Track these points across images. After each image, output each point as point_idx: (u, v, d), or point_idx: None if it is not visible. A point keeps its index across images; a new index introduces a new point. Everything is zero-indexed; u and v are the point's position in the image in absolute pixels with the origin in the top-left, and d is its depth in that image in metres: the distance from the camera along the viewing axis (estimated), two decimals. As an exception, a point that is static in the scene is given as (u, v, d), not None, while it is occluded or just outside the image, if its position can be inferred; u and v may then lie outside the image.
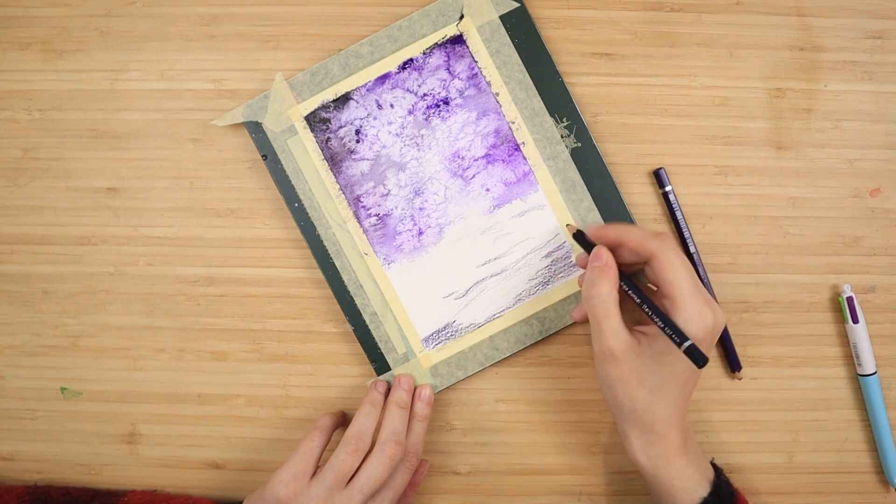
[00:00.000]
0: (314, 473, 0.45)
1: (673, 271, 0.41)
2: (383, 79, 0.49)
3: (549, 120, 0.49)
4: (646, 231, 0.43)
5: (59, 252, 0.52)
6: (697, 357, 0.39)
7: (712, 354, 0.51)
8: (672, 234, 0.46)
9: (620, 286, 0.44)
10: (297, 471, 0.45)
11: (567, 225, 0.49)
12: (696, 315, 0.41)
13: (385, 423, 0.47)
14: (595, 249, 0.45)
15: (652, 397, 0.42)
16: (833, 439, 0.51)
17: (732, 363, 0.50)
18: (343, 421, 0.50)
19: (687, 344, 0.39)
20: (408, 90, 0.49)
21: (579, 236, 0.47)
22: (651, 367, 0.42)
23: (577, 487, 0.52)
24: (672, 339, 0.40)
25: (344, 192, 0.50)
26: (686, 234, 0.50)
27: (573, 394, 0.51)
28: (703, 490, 0.43)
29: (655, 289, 0.46)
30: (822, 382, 0.51)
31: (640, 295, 0.42)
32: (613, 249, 0.45)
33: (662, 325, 0.40)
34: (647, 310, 0.41)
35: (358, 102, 0.49)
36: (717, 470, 0.45)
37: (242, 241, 0.51)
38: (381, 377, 0.50)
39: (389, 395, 0.49)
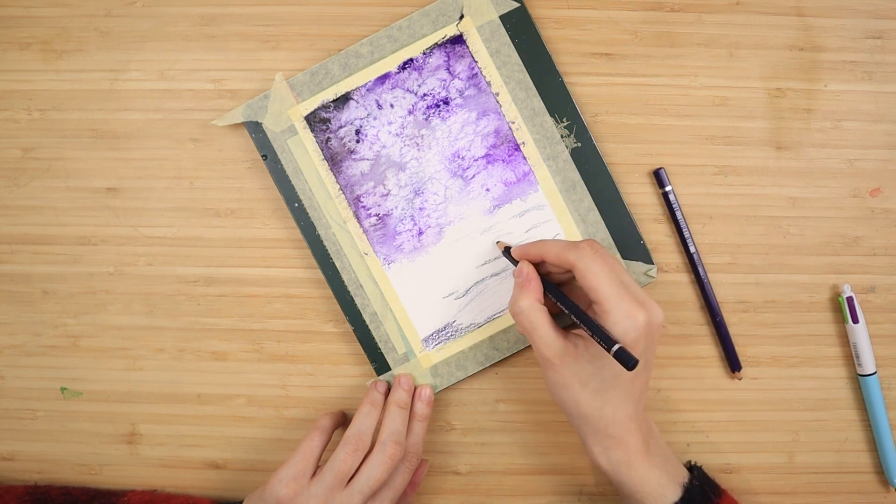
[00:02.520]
0: (314, 473, 0.45)
1: (593, 277, 0.40)
2: (383, 79, 0.49)
3: (549, 120, 0.49)
4: (564, 243, 0.43)
5: (59, 252, 0.52)
6: (626, 359, 0.38)
7: (712, 353, 0.51)
8: (591, 249, 0.44)
9: (547, 296, 0.43)
10: (297, 471, 0.45)
11: (497, 242, 0.49)
12: (624, 316, 0.40)
13: (385, 422, 0.47)
14: (517, 266, 0.45)
15: (598, 401, 0.42)
16: (833, 439, 0.51)
17: (732, 363, 0.50)
18: (343, 421, 0.50)
19: (615, 348, 0.38)
20: (408, 90, 0.49)
21: (507, 253, 0.47)
22: (590, 371, 0.42)
23: (577, 487, 0.52)
24: (601, 345, 0.39)
25: (344, 192, 0.50)
26: (686, 234, 0.50)
27: (573, 394, 0.51)
28: (673, 495, 0.42)
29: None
30: (822, 382, 0.51)
31: (566, 302, 0.42)
32: (540, 264, 0.45)
33: (590, 332, 0.40)
34: (574, 318, 0.41)
35: (358, 102, 0.49)
36: (693, 471, 0.45)
37: (242, 241, 0.51)
38: (381, 377, 0.50)
39: (389, 395, 0.49)
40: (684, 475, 0.44)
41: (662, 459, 0.44)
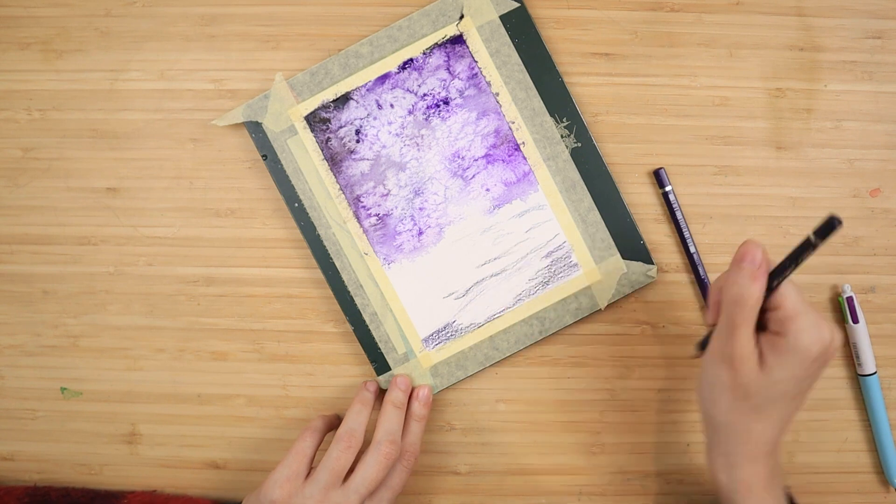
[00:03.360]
0: (308, 474, 0.45)
1: (786, 292, 0.39)
2: (383, 79, 0.49)
3: (549, 120, 0.49)
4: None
5: (59, 252, 0.52)
6: (832, 222, 0.35)
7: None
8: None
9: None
10: (290, 472, 0.45)
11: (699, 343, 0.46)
12: (811, 324, 0.38)
13: (380, 422, 0.47)
14: (746, 247, 0.40)
15: (753, 416, 0.40)
16: (833, 439, 0.51)
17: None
18: (336, 423, 0.50)
19: (828, 217, 0.35)
20: (408, 90, 0.49)
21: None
22: (764, 384, 0.39)
23: (577, 487, 0.52)
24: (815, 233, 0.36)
25: (344, 192, 0.50)
26: (686, 234, 0.50)
27: (573, 394, 0.51)
28: None
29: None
30: (822, 382, 0.51)
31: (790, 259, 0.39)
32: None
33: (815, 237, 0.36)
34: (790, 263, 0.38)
35: (358, 102, 0.49)
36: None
37: (242, 241, 0.51)
38: (381, 377, 0.50)
39: (386, 395, 0.49)
40: None
41: (778, 492, 0.42)
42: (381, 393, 0.50)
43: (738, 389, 0.40)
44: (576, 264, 0.50)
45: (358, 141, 0.50)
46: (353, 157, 0.50)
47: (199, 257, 0.51)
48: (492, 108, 0.49)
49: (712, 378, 0.41)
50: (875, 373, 0.50)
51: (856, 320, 0.49)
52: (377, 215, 0.50)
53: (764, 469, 0.41)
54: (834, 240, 0.51)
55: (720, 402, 0.40)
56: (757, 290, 0.39)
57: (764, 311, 0.39)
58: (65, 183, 0.51)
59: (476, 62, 0.49)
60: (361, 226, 0.50)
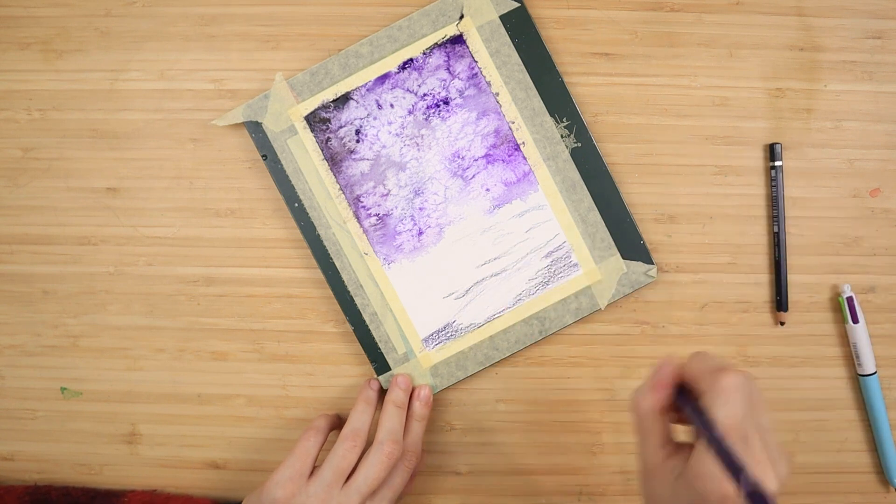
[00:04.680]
0: (311, 473, 0.45)
1: (713, 410, 0.35)
2: (383, 79, 0.49)
3: (549, 120, 0.49)
4: (709, 362, 0.38)
5: (59, 252, 0.52)
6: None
7: (712, 353, 0.51)
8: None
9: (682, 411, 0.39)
10: (293, 471, 0.45)
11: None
12: (710, 476, 0.34)
13: (382, 422, 0.47)
14: (660, 365, 0.40)
15: None
16: (833, 439, 0.51)
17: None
18: (338, 423, 0.50)
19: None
20: (408, 90, 0.49)
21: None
22: (683, 496, 0.37)
23: (577, 487, 0.52)
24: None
25: (344, 192, 0.50)
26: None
27: (573, 394, 0.51)
28: None
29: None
30: (822, 382, 0.51)
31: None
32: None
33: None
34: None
35: (358, 102, 0.49)
36: None
37: (242, 241, 0.51)
38: (381, 377, 0.50)
39: (387, 395, 0.49)
40: None
41: None
42: (382, 392, 0.50)
43: (665, 498, 0.38)
44: (576, 264, 0.50)
45: (358, 141, 0.50)
46: (353, 157, 0.50)
47: (199, 257, 0.51)
48: (492, 108, 0.49)
49: (643, 489, 0.40)
50: (875, 373, 0.50)
51: (856, 320, 0.49)
52: (377, 215, 0.50)
53: None
54: (834, 240, 0.51)
55: (647, 498, 0.39)
56: (648, 402, 0.38)
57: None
58: (65, 183, 0.51)
59: (476, 62, 0.49)
60: (361, 226, 0.50)
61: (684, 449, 0.39)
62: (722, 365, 0.37)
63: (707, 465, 0.35)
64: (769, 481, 0.35)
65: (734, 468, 0.33)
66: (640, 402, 0.39)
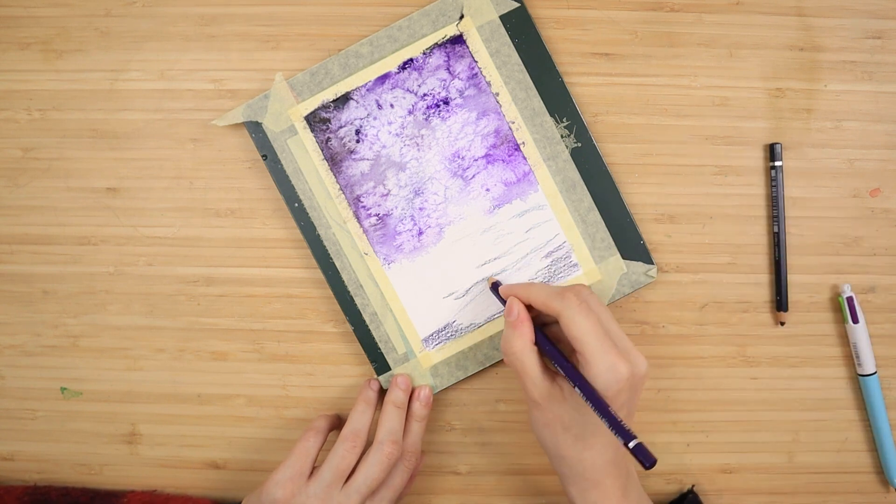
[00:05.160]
0: (311, 473, 0.45)
1: (577, 328, 0.40)
2: (383, 79, 0.49)
3: (549, 120, 0.49)
4: (550, 290, 0.43)
5: (59, 252, 0.52)
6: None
7: (713, 353, 0.51)
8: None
9: (548, 356, 0.43)
10: (293, 472, 0.45)
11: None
12: (606, 368, 0.39)
13: (382, 422, 0.47)
14: (508, 303, 0.44)
15: (579, 445, 0.42)
16: (833, 439, 0.51)
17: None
18: (338, 423, 0.50)
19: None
20: (408, 90, 0.49)
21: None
22: (574, 416, 0.42)
23: (577, 487, 0.52)
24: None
25: (344, 192, 0.50)
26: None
27: (573, 394, 0.51)
28: None
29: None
30: (822, 382, 0.51)
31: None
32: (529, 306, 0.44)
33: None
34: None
35: (358, 102, 0.49)
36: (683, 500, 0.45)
37: (242, 241, 0.51)
38: (381, 377, 0.50)
39: (387, 395, 0.49)
40: None
41: (639, 502, 0.44)
42: (382, 393, 0.50)
43: (555, 424, 0.42)
44: (576, 264, 0.50)
45: (358, 141, 0.50)
46: (353, 157, 0.50)
47: (199, 257, 0.51)
48: (492, 108, 0.49)
49: (533, 422, 0.44)
50: (875, 373, 0.50)
51: (856, 320, 0.49)
52: (377, 215, 0.50)
53: (613, 487, 0.43)
54: (834, 240, 0.51)
55: (546, 438, 0.43)
56: (518, 343, 0.42)
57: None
58: (65, 183, 0.51)
59: (476, 62, 0.49)
60: (361, 226, 0.50)
61: (558, 373, 0.43)
62: (557, 289, 0.43)
63: (594, 367, 0.40)
64: (637, 366, 0.41)
65: (621, 431, 0.37)
66: (511, 345, 0.43)
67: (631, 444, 0.36)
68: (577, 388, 0.40)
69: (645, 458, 0.36)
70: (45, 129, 0.51)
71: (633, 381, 0.40)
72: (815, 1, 0.50)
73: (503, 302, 0.46)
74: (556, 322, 0.44)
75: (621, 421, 0.37)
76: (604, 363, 0.40)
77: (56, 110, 0.51)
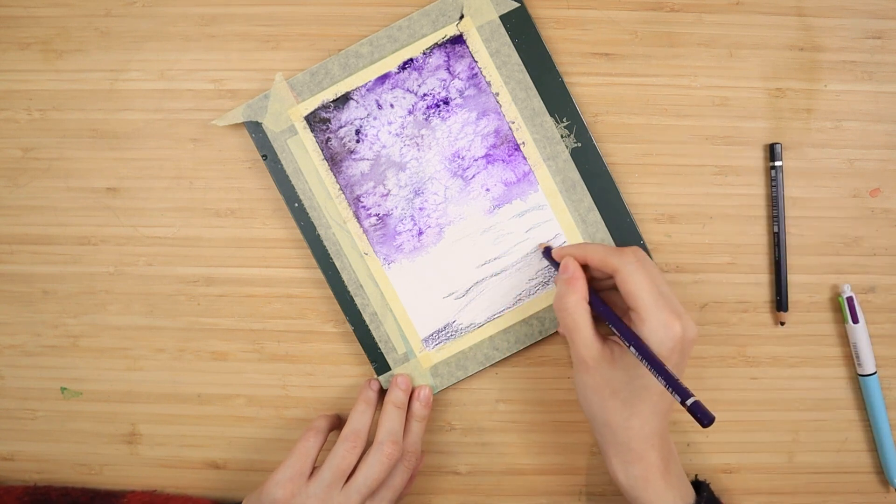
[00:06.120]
0: (311, 474, 0.45)
1: (634, 284, 0.40)
2: (383, 79, 0.49)
3: (549, 120, 0.49)
4: (607, 247, 0.43)
5: (59, 252, 0.52)
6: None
7: (713, 353, 0.51)
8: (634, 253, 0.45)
9: (592, 304, 0.43)
10: (293, 472, 0.45)
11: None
12: (661, 325, 0.40)
13: (382, 422, 0.47)
14: (563, 261, 0.44)
15: (626, 411, 0.42)
16: (833, 439, 0.51)
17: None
18: (338, 423, 0.50)
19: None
20: (408, 90, 0.49)
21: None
22: (624, 379, 0.41)
23: (576, 487, 0.52)
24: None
25: (344, 192, 0.50)
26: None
27: (573, 394, 0.51)
28: None
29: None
30: (822, 382, 0.51)
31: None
32: (585, 268, 0.44)
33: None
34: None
35: (358, 102, 0.49)
36: (700, 489, 0.45)
37: (242, 241, 0.51)
38: (381, 377, 0.50)
39: (387, 395, 0.49)
40: (692, 495, 0.44)
41: (678, 480, 0.43)
42: (382, 393, 0.50)
43: (603, 388, 0.42)
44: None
45: (358, 141, 0.50)
46: (353, 157, 0.50)
47: (199, 257, 0.51)
48: (492, 108, 0.49)
49: (580, 385, 0.43)
50: (875, 373, 0.50)
51: (856, 320, 0.49)
52: (377, 215, 0.50)
53: (657, 461, 0.42)
54: (834, 240, 0.51)
55: (593, 403, 0.43)
56: (572, 299, 0.42)
57: (628, 310, 0.42)
58: (65, 183, 0.51)
59: (476, 62, 0.49)
60: (361, 226, 0.50)
61: (609, 336, 0.43)
62: (615, 248, 0.43)
63: (648, 325, 0.40)
64: (688, 329, 0.41)
65: (679, 389, 0.36)
66: (565, 301, 0.43)
67: (689, 402, 0.35)
68: (630, 346, 0.40)
69: (704, 415, 0.35)
70: (45, 129, 0.51)
71: (684, 344, 0.40)
72: (815, 1, 0.50)
73: (556, 266, 0.46)
74: (609, 288, 0.45)
75: (678, 379, 0.37)
76: (658, 320, 0.40)
77: (56, 110, 0.51)
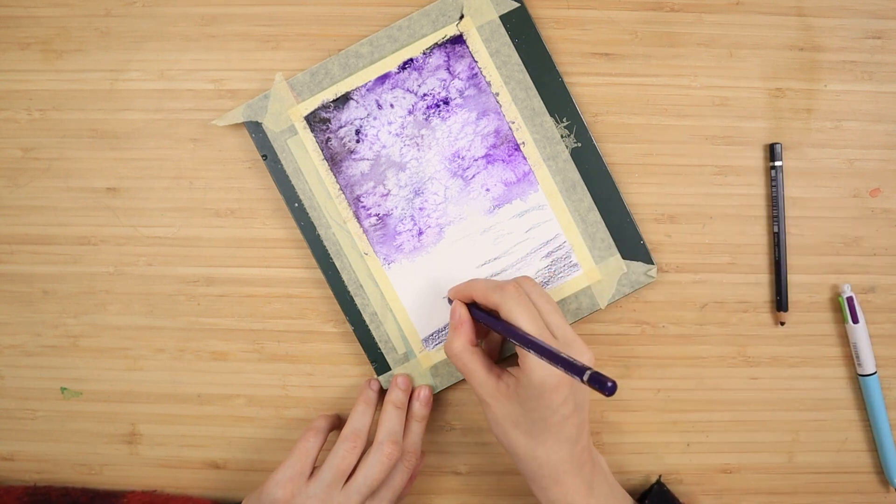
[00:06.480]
0: (311, 474, 0.45)
1: (514, 320, 0.41)
2: (383, 79, 0.49)
3: (549, 120, 0.49)
4: (490, 282, 0.44)
5: (59, 252, 0.52)
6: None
7: (713, 353, 0.51)
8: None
9: (497, 332, 0.43)
10: (293, 472, 0.45)
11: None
12: (538, 364, 0.40)
13: (382, 422, 0.47)
14: (451, 308, 0.45)
15: (531, 443, 0.42)
16: (833, 439, 0.51)
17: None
18: (338, 423, 0.50)
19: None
20: (408, 90, 0.49)
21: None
22: (520, 412, 0.42)
23: (577, 487, 0.52)
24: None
25: (344, 192, 0.50)
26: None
27: (573, 394, 0.51)
28: None
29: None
30: (822, 382, 0.51)
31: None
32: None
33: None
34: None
35: (358, 102, 0.49)
36: (646, 496, 0.45)
37: (242, 241, 0.51)
38: (381, 377, 0.50)
39: (387, 395, 0.49)
40: None
41: (607, 497, 0.44)
42: (382, 393, 0.50)
43: (505, 421, 0.42)
44: (576, 264, 0.50)
45: (358, 141, 0.50)
46: (353, 157, 0.50)
47: (199, 257, 0.51)
48: (492, 108, 0.49)
49: (488, 418, 0.44)
50: (875, 373, 0.50)
51: (856, 320, 0.49)
52: (377, 215, 0.50)
53: (575, 485, 0.42)
54: (834, 240, 0.51)
55: (500, 435, 0.43)
56: (457, 344, 0.43)
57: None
58: (65, 183, 0.51)
59: (476, 62, 0.49)
60: (361, 226, 0.50)
61: (505, 371, 0.44)
62: (498, 282, 0.43)
63: (531, 360, 0.40)
64: (577, 357, 0.40)
65: (571, 366, 0.35)
66: (452, 348, 0.44)
67: (585, 377, 0.33)
68: (511, 339, 0.40)
69: (602, 385, 0.32)
70: (45, 129, 0.51)
71: (571, 377, 0.39)
72: (815, 1, 0.50)
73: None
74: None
75: (566, 356, 0.35)
76: (534, 358, 0.40)
77: (56, 110, 0.51)
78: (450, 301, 0.48)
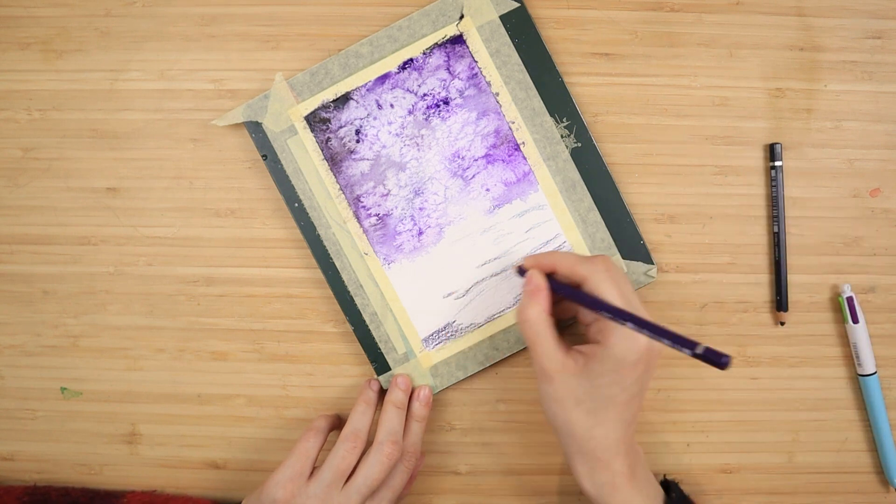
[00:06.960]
0: (311, 474, 0.45)
1: (602, 293, 0.40)
2: (383, 79, 0.49)
3: (549, 120, 0.49)
4: (576, 256, 0.43)
5: (59, 252, 0.52)
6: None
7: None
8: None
9: (557, 306, 0.42)
10: (293, 472, 0.45)
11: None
12: (626, 336, 0.40)
13: (382, 422, 0.47)
14: (528, 273, 0.44)
15: (590, 421, 0.41)
16: (833, 439, 0.51)
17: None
18: (338, 423, 0.50)
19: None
20: (408, 90, 0.49)
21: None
22: (587, 389, 0.41)
23: (577, 487, 0.52)
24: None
25: (344, 192, 0.50)
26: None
27: (573, 394, 0.51)
28: None
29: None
30: (822, 382, 0.51)
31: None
32: (552, 274, 0.44)
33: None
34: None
35: (358, 102, 0.49)
36: (669, 489, 0.45)
37: (242, 241, 0.51)
38: (381, 377, 0.50)
39: (387, 395, 0.49)
40: (661, 497, 0.44)
41: (646, 483, 0.44)
42: (382, 393, 0.50)
43: (566, 398, 0.42)
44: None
45: (358, 141, 0.50)
46: (353, 157, 0.50)
47: (199, 257, 0.51)
48: (492, 108, 0.49)
49: (543, 396, 0.43)
50: (875, 373, 0.50)
51: (856, 320, 0.50)
52: (377, 215, 0.50)
53: (623, 467, 0.42)
54: (834, 240, 0.51)
55: (557, 413, 0.42)
56: (534, 311, 0.42)
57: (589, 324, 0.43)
58: (65, 183, 0.51)
59: (476, 62, 0.49)
60: (361, 226, 0.50)
61: (573, 348, 0.43)
62: (583, 256, 0.43)
63: (616, 334, 0.40)
64: (654, 342, 0.40)
65: (683, 342, 0.35)
66: (528, 314, 0.43)
67: (699, 350, 0.34)
68: (601, 312, 0.39)
69: (717, 358, 0.33)
70: (45, 129, 0.51)
71: (650, 356, 0.40)
72: (815, 1, 0.50)
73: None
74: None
75: (677, 333, 0.36)
76: (624, 330, 0.40)
77: (56, 110, 0.51)
78: (519, 271, 0.46)
